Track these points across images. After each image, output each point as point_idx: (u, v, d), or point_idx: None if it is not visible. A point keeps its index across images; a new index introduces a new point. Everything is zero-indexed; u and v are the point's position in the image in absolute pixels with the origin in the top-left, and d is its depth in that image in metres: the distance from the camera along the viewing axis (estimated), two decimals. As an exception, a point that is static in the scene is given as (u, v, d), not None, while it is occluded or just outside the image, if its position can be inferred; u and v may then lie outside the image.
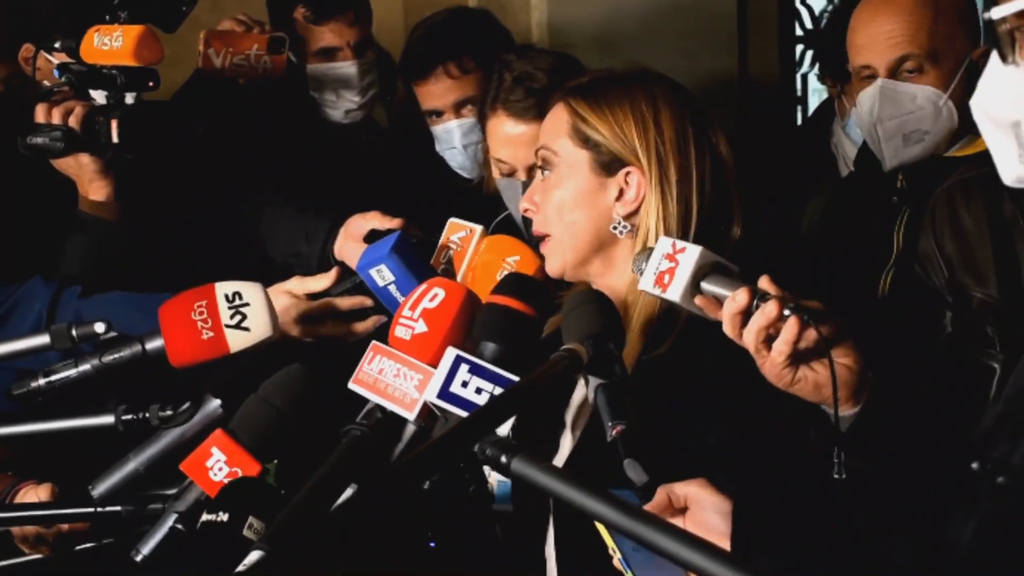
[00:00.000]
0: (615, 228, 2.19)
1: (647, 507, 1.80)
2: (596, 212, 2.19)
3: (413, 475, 1.39)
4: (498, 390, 1.60)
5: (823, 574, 1.76)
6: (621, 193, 2.18)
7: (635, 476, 1.58)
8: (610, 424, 1.59)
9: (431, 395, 1.61)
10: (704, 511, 1.83)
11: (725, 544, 1.78)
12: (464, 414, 1.59)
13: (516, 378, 1.60)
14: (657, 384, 2.03)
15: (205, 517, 1.61)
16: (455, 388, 1.60)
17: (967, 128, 2.78)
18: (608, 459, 1.69)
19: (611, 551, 1.77)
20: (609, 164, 2.18)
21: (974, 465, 1.63)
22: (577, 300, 1.74)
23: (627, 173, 2.17)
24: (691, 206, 2.16)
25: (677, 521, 1.84)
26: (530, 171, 2.72)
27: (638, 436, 1.59)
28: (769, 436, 2.00)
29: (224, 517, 1.60)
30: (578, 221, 2.20)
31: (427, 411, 1.67)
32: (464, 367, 1.61)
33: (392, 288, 2.21)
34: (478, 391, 1.60)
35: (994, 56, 1.56)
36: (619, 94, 2.20)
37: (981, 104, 1.62)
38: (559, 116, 2.24)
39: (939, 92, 2.76)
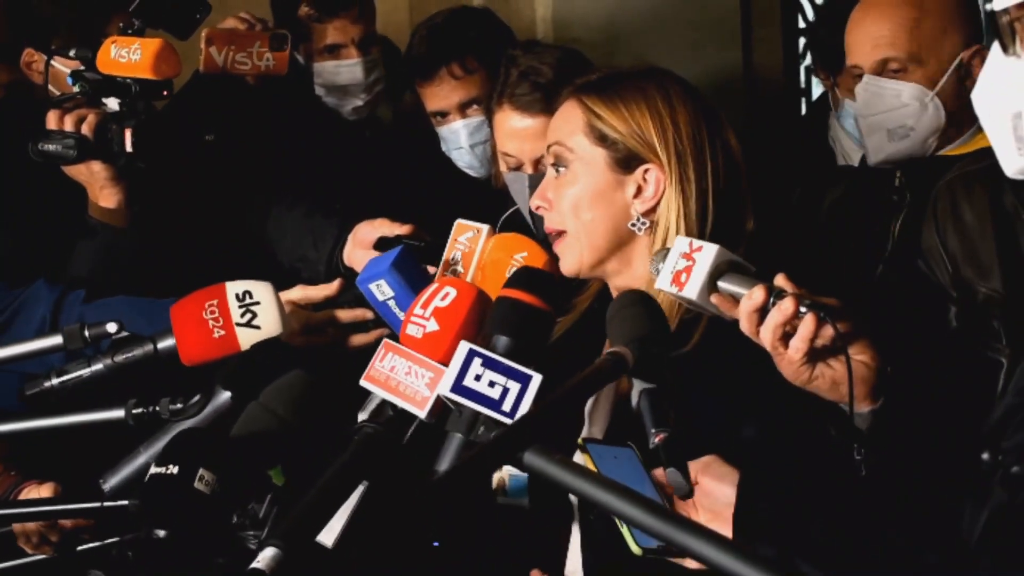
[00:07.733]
0: (633, 225, 2.20)
1: (656, 473, 1.83)
2: (614, 209, 2.19)
3: (463, 485, 1.40)
4: (511, 383, 1.60)
5: (825, 556, 1.77)
6: (639, 190, 2.18)
7: (677, 485, 1.59)
8: (653, 431, 1.60)
9: (444, 389, 1.61)
10: (713, 484, 1.85)
11: (729, 514, 1.81)
12: (478, 407, 1.60)
13: (529, 371, 1.61)
14: (684, 381, 2.04)
15: (154, 470, 1.59)
16: (468, 382, 1.60)
17: (963, 127, 2.81)
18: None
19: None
20: (627, 161, 2.18)
21: (985, 456, 1.64)
22: (623, 302, 1.73)
23: (646, 170, 2.18)
24: (708, 202, 2.17)
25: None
26: (536, 164, 2.72)
27: (681, 445, 1.59)
28: (800, 428, 2.00)
29: (174, 470, 1.58)
30: (595, 219, 2.19)
31: (440, 405, 1.67)
32: (477, 361, 1.61)
33: (391, 303, 2.21)
34: (491, 384, 1.60)
35: (995, 48, 1.56)
36: (634, 91, 2.20)
37: (982, 96, 1.62)
38: (572, 113, 2.23)
39: (925, 90, 2.78)
